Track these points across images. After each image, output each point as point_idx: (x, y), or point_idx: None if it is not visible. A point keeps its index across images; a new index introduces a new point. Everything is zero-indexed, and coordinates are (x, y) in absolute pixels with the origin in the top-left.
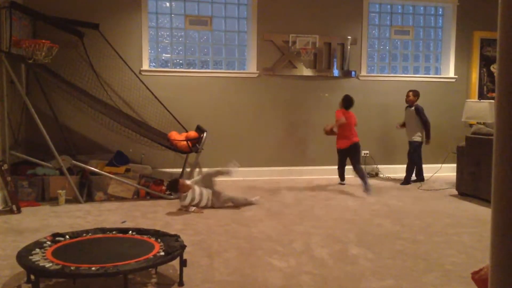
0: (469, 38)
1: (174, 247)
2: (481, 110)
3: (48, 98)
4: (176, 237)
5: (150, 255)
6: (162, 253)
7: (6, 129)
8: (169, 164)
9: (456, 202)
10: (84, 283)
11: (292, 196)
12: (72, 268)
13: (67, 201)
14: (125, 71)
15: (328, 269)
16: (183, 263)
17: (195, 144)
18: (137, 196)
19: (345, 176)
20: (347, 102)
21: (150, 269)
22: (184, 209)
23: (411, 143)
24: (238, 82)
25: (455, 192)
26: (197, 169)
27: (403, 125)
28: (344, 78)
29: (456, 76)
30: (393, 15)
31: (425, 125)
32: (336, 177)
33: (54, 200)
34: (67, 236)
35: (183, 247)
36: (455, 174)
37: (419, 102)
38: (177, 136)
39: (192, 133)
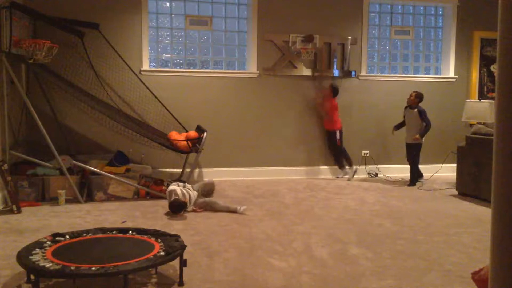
0: (469, 38)
1: (174, 247)
2: (481, 110)
3: (48, 98)
4: (176, 237)
5: (150, 255)
6: (162, 253)
7: (6, 129)
8: (169, 164)
9: (456, 202)
10: (84, 283)
11: (292, 196)
12: (72, 268)
13: (67, 201)
14: (125, 71)
15: (328, 269)
16: (183, 263)
17: (195, 144)
18: (137, 196)
19: (353, 175)
20: (336, 90)
21: (150, 269)
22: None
23: (413, 146)
24: (238, 82)
25: (455, 192)
26: (197, 169)
27: (398, 126)
28: (344, 78)
29: (456, 76)
30: (393, 15)
31: (426, 127)
32: (336, 177)
33: (54, 200)
34: (67, 236)
35: (183, 247)
36: (455, 174)
37: (421, 104)
38: (177, 136)
39: (192, 133)
